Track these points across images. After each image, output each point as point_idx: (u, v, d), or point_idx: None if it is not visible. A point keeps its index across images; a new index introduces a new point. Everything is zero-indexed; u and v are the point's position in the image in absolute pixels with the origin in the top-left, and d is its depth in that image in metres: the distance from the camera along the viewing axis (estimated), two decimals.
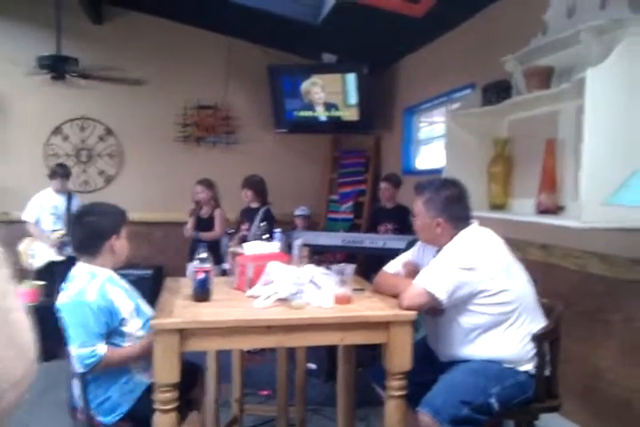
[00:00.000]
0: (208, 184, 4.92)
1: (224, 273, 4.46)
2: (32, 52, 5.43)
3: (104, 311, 2.15)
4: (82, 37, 5.85)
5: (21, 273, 4.90)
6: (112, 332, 2.20)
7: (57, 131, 6.12)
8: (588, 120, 2.25)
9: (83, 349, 2.10)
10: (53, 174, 5.02)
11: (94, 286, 2.18)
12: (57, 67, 5.38)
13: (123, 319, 2.21)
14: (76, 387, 2.23)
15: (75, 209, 4.87)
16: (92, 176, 6.23)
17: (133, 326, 2.24)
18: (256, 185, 4.82)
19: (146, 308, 2.34)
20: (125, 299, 2.26)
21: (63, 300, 2.21)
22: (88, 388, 2.18)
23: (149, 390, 2.14)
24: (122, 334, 2.22)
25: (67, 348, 2.19)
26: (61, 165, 5.26)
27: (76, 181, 6.13)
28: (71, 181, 6.02)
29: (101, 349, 2.12)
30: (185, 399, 2.25)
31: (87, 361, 2.10)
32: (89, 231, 2.28)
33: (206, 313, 1.96)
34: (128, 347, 2.21)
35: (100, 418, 2.20)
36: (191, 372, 2.41)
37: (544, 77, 2.81)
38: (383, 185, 4.98)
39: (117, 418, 2.19)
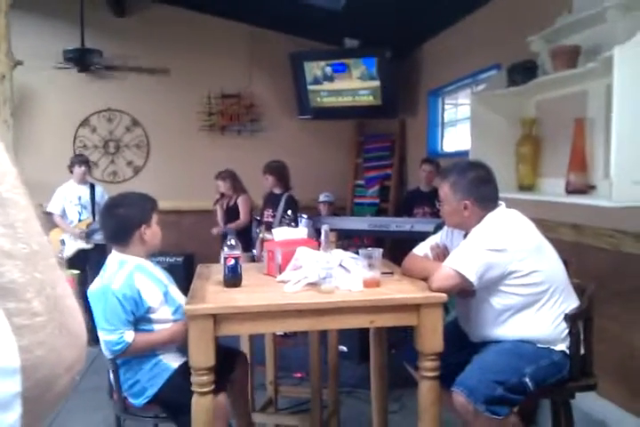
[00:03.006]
0: (225, 176, 4.97)
1: (253, 259, 4.52)
2: (57, 46, 5.53)
3: (129, 300, 2.20)
4: (105, 30, 5.91)
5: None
6: (140, 319, 2.25)
7: (84, 123, 6.20)
8: (616, 98, 2.21)
9: (110, 335, 2.17)
10: (72, 165, 5.08)
11: (121, 275, 2.24)
12: (82, 59, 5.47)
13: (149, 308, 2.26)
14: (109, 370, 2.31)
15: (99, 198, 4.96)
16: (121, 167, 6.31)
17: (163, 313, 2.29)
18: (276, 170, 4.84)
19: (177, 295, 2.39)
20: (153, 287, 2.30)
21: (93, 288, 2.29)
22: (119, 371, 2.25)
23: (176, 374, 2.21)
24: (150, 321, 2.28)
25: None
26: (77, 155, 5.35)
27: (104, 172, 6.24)
28: (100, 173, 6.16)
29: (128, 336, 2.18)
30: (224, 381, 2.31)
31: (114, 348, 2.17)
32: (118, 222, 2.33)
33: (238, 298, 1.99)
34: (155, 333, 2.27)
35: (130, 400, 2.29)
36: (231, 356, 2.47)
37: (571, 56, 2.76)
38: (427, 168, 4.91)
39: (146, 401, 2.26)
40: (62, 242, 5.00)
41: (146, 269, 2.35)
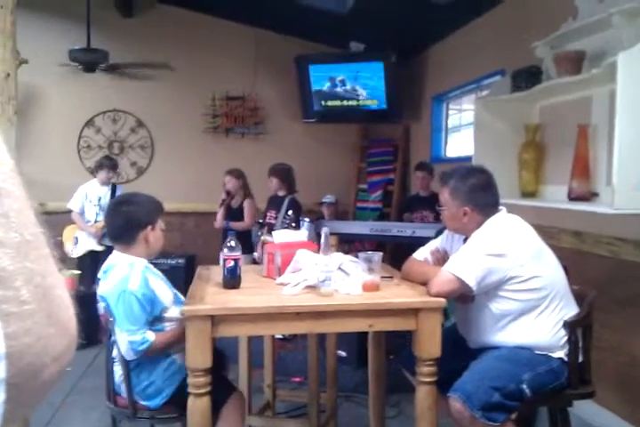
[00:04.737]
0: (236, 174, 4.96)
1: (254, 262, 4.52)
2: (64, 46, 5.54)
3: (147, 300, 2.20)
4: (112, 31, 5.93)
5: (63, 261, 5.01)
6: (154, 319, 2.24)
7: (89, 123, 6.21)
8: (620, 105, 2.21)
9: (134, 336, 2.15)
10: (100, 166, 5.12)
11: (137, 275, 2.22)
12: (88, 60, 5.49)
13: (164, 307, 2.26)
14: (118, 373, 2.27)
15: None
16: (125, 168, 6.30)
17: (173, 312, 2.27)
18: (281, 173, 4.83)
19: (180, 295, 2.39)
20: (164, 287, 2.31)
21: (106, 288, 2.25)
22: (131, 374, 2.22)
23: None
24: (162, 320, 2.27)
25: (108, 335, 2.25)
26: (108, 158, 5.38)
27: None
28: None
29: (150, 335, 2.17)
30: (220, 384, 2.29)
31: (140, 348, 2.15)
32: (125, 220, 2.31)
33: (236, 300, 1.99)
34: (169, 331, 2.26)
35: (144, 403, 2.26)
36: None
37: (575, 62, 2.76)
38: (420, 174, 5.01)
39: (163, 402, 2.24)
40: (76, 240, 5.03)
41: (152, 269, 2.35)
